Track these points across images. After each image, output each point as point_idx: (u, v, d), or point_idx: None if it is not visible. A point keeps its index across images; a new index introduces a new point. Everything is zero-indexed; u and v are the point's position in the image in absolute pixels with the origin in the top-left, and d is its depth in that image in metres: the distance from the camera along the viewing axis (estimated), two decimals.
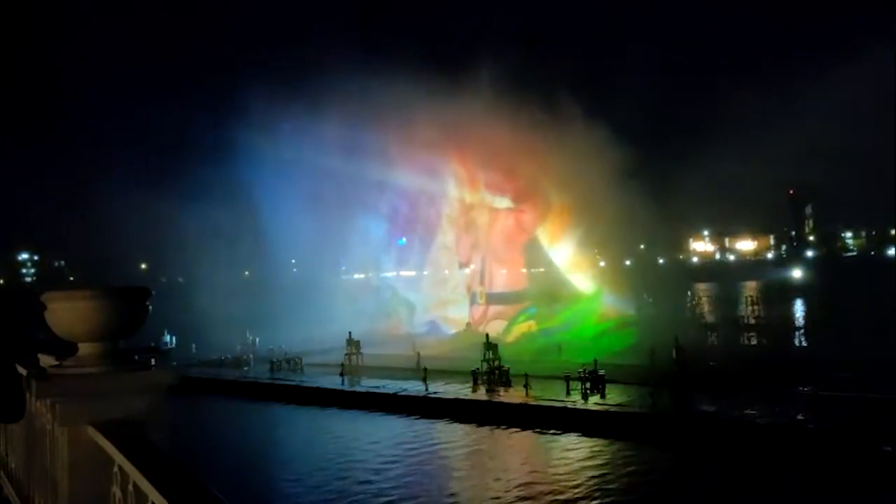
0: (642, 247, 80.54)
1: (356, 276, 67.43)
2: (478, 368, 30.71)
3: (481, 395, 29.11)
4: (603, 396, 26.44)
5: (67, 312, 3.05)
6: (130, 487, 2.56)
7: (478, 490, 19.67)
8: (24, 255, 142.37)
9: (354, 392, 31.97)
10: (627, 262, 69.11)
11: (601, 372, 27.63)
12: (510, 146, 50.67)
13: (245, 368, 39.30)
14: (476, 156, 52.15)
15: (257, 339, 43.83)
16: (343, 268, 68.56)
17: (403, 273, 60.68)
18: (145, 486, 2.30)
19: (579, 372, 27.70)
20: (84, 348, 3.16)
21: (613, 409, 25.23)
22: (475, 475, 21.09)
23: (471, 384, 30.06)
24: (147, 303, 3.29)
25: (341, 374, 34.85)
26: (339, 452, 23.80)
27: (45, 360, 3.28)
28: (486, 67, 51.24)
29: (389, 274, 60.96)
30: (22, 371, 3.30)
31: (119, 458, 2.67)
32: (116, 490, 2.78)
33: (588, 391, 26.59)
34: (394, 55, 56.45)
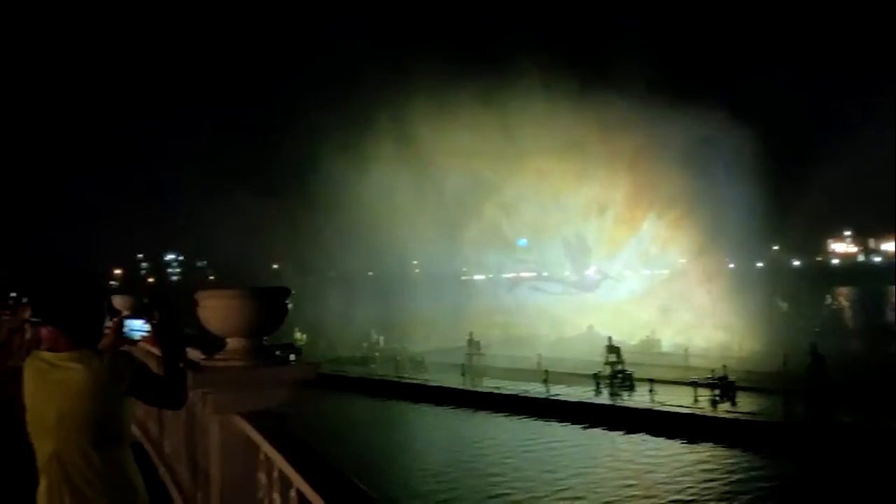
0: (775, 248, 76.21)
1: (477, 277, 67.93)
2: (600, 372, 30.22)
3: (604, 398, 28.62)
4: (733, 404, 25.31)
5: (218, 310, 3.32)
6: (276, 474, 2.76)
7: (610, 497, 19.23)
8: (171, 256, 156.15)
9: (475, 392, 32.30)
10: (759, 265, 65.75)
11: (731, 378, 26.46)
12: (642, 147, 49.60)
13: (371, 366, 40.49)
14: (610, 157, 51.36)
15: (382, 338, 45.12)
16: (464, 269, 69.22)
17: (524, 274, 60.49)
18: (290, 472, 2.47)
19: (708, 378, 26.68)
20: (231, 343, 3.42)
21: (745, 417, 24.11)
22: (602, 480, 20.68)
23: (593, 387, 29.61)
24: (287, 302, 3.52)
25: (462, 374, 35.27)
26: (465, 450, 24.08)
27: (193, 354, 3.55)
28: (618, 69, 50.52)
29: (509, 275, 61.00)
30: None
31: (265, 446, 2.87)
32: (262, 476, 3.00)
33: (718, 398, 25.56)
34: (519, 52, 56.14)
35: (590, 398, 28.57)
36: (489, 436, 26.17)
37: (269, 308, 3.35)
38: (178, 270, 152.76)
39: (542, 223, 56.40)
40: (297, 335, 45.52)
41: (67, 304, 2.59)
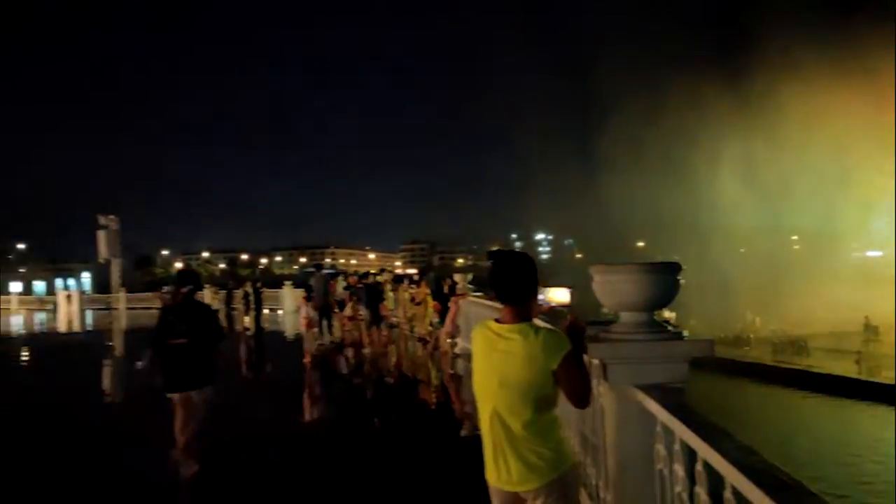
0: None
1: (869, 253, 59.22)
2: None
3: None
4: None
5: (614, 284, 3.45)
6: (676, 446, 2.79)
7: None
8: (541, 235, 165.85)
9: (873, 383, 28.32)
10: None
11: None
12: None
13: (745, 348, 38.24)
14: None
15: (758, 319, 42.17)
16: (854, 245, 60.88)
17: None
18: (697, 444, 2.47)
19: None
20: (625, 317, 3.53)
21: None
22: None
23: None
24: (678, 277, 3.51)
25: (857, 362, 31.23)
26: (866, 448, 21.36)
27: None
28: None
29: None
30: None
31: (664, 416, 2.92)
32: (660, 447, 3.05)
33: None
34: None
35: None
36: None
37: (663, 283, 3.39)
38: (547, 249, 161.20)
39: None
40: (666, 313, 44.78)
41: (514, 281, 2.94)
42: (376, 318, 16.84)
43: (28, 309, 47.31)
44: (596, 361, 3.64)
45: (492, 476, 2.99)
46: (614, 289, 3.44)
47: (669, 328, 3.54)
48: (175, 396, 6.45)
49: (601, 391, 3.75)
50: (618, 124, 73.59)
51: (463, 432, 8.38)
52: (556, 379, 2.85)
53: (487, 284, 3.07)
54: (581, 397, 2.93)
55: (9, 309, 46.92)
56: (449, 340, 14.70)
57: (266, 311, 23.05)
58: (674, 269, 3.42)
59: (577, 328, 3.04)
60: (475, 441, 7.63)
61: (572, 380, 2.87)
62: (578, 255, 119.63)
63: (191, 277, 7.01)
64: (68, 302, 42.36)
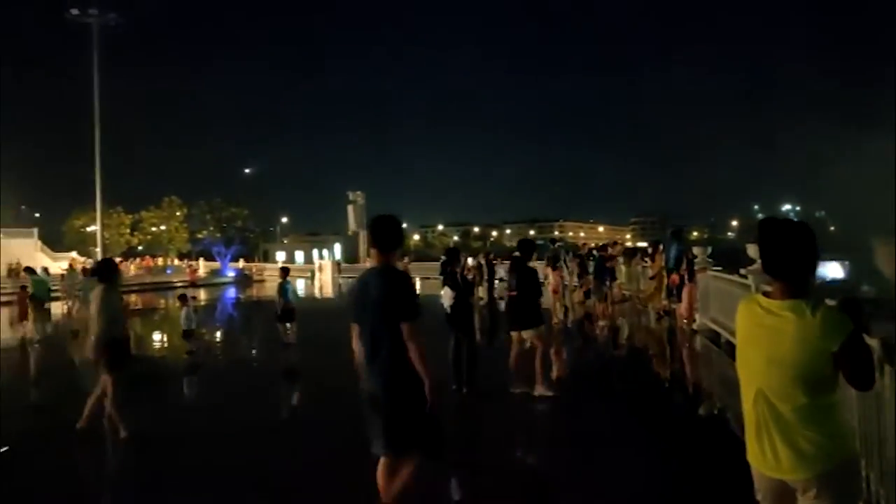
0: None
1: None
2: None
3: None
4: None
5: None
6: None
7: None
8: (787, 207, 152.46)
9: None
10: None
11: None
12: None
13: None
14: None
15: None
16: None
17: None
18: None
19: None
20: None
21: None
22: None
23: None
24: None
25: None
26: None
27: None
28: None
29: None
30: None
31: None
32: None
33: None
34: None
35: None
36: None
37: None
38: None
39: None
40: None
41: (791, 254, 2.69)
42: (599, 290, 16.79)
43: (290, 276, 53.83)
44: (874, 343, 3.26)
45: (755, 459, 2.78)
46: None
47: None
48: (513, 334, 8.70)
49: (883, 376, 3.36)
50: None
51: (701, 411, 8.02)
52: (835, 362, 2.55)
53: (760, 257, 2.77)
54: (865, 381, 2.60)
55: (274, 275, 54.25)
56: (686, 317, 14.09)
57: (496, 282, 23.65)
58: None
59: (855, 305, 2.72)
60: (715, 421, 7.28)
61: (855, 363, 2.56)
62: (832, 228, 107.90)
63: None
64: (320, 270, 47.42)
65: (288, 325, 14.22)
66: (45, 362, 14.06)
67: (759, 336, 2.70)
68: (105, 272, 7.65)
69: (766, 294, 2.74)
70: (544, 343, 8.67)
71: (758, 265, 11.01)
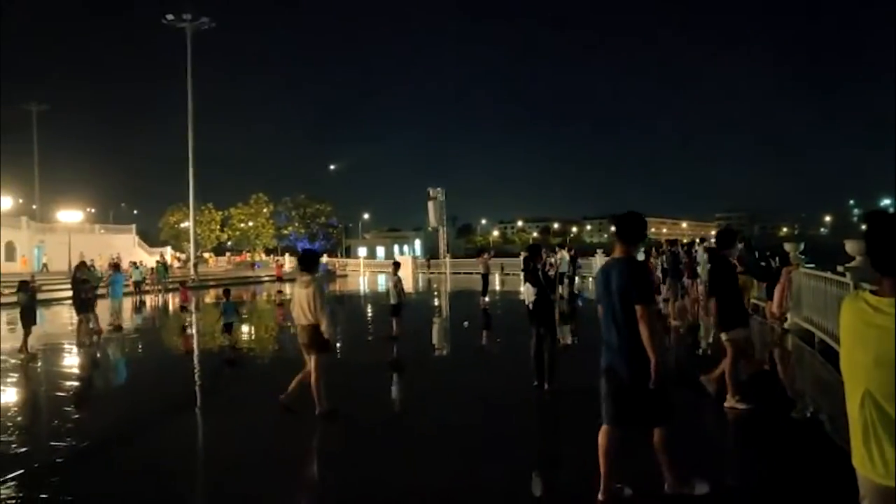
0: None
1: None
2: None
3: None
4: None
5: None
6: None
7: None
8: (887, 202, 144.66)
9: None
10: None
11: None
12: None
13: None
14: None
15: None
16: None
17: None
18: None
19: None
20: None
21: None
22: None
23: None
24: None
25: None
26: None
27: None
28: None
29: None
30: None
31: None
32: None
33: None
34: None
35: None
36: None
37: None
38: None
39: None
40: None
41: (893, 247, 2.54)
42: (675, 288, 16.28)
43: (371, 271, 55.12)
44: None
45: (862, 464, 2.63)
46: None
47: None
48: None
49: None
50: None
51: (794, 414, 7.70)
52: None
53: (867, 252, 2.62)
54: None
55: (357, 270, 55.78)
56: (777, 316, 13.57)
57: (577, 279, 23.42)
58: None
59: None
60: (808, 424, 6.98)
61: None
62: None
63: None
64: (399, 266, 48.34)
65: (394, 319, 14.72)
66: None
67: (866, 335, 2.56)
68: (311, 264, 8.18)
69: (873, 291, 2.61)
70: (737, 350, 7.66)
71: (857, 261, 10.49)
